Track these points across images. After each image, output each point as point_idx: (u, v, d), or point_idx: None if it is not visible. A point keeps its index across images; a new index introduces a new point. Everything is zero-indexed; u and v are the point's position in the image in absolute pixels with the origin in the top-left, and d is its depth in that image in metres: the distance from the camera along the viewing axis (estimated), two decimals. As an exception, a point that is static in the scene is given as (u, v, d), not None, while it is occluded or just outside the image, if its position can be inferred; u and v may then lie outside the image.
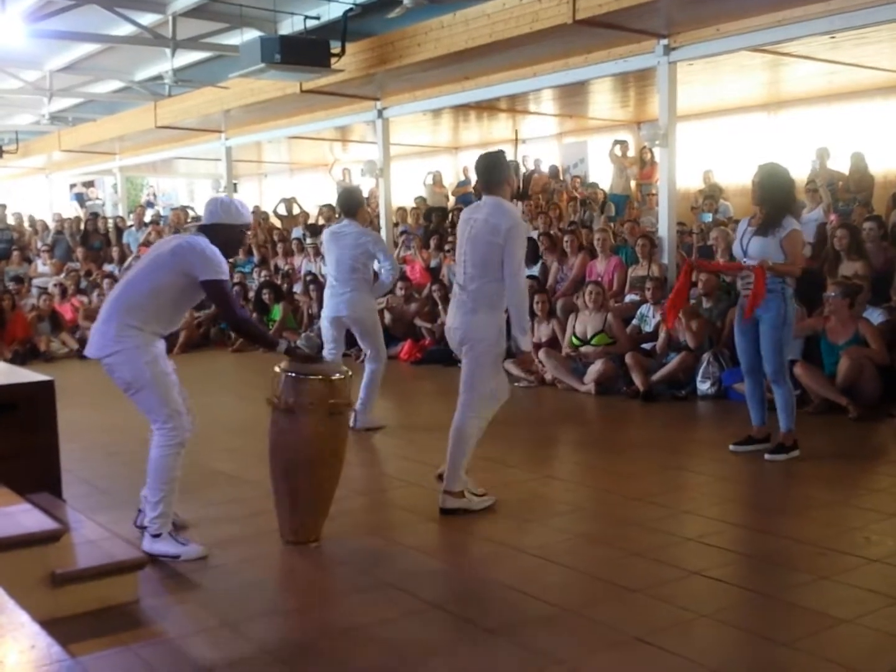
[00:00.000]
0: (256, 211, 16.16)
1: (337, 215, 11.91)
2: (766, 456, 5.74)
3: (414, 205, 15.71)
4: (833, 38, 8.82)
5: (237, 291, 12.68)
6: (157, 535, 4.18)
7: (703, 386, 7.78)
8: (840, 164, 11.42)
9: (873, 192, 11.01)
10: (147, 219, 17.32)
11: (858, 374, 6.87)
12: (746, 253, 5.67)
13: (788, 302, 5.61)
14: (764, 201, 5.67)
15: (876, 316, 7.23)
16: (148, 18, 12.71)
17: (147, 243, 15.65)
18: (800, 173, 11.74)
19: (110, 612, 3.56)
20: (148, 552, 4.06)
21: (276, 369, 4.37)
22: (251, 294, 12.77)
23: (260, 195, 22.77)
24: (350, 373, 4.45)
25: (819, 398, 6.97)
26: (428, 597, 3.72)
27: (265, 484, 4.60)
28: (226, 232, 4.29)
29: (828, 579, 3.77)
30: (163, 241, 4.63)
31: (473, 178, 17.86)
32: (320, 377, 4.30)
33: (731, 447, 5.96)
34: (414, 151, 18.54)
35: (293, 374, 4.29)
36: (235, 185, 17.07)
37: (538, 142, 16.92)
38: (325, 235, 7.28)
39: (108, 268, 14.83)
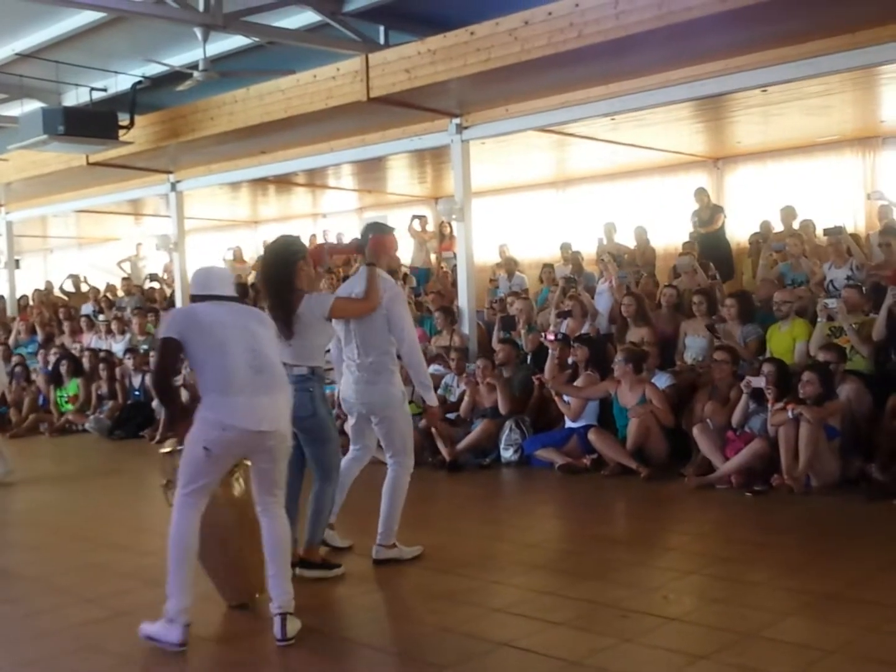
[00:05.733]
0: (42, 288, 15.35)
1: None
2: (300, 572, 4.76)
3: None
4: (613, 119, 9.37)
5: (19, 372, 11.89)
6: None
7: (507, 453, 7.88)
8: (625, 238, 12.06)
9: (655, 264, 11.68)
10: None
11: (646, 435, 7.18)
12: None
13: (318, 402, 4.74)
14: (268, 279, 4.82)
15: (664, 380, 7.56)
16: (-81, 86, 11.95)
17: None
18: (588, 247, 12.36)
19: None
20: None
21: (165, 451, 4.41)
22: (34, 376, 11.97)
23: (45, 272, 21.60)
24: None
25: (614, 462, 7.21)
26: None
27: (45, 580, 4.21)
28: None
29: (631, 641, 3.81)
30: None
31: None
32: None
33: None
34: (212, 225, 18.19)
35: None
36: (18, 261, 16.14)
37: (339, 216, 17.00)
38: None
39: None
